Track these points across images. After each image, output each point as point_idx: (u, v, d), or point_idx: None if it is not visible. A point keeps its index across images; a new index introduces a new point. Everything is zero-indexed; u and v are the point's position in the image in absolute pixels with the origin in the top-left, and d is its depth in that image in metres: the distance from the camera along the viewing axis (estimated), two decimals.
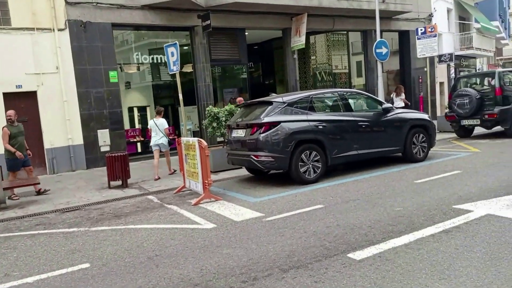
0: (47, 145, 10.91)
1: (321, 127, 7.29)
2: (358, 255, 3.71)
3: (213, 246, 4.35)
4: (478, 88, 11.69)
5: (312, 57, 16.49)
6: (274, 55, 17.39)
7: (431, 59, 15.45)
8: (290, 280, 3.31)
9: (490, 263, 3.32)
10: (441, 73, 20.73)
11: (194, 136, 12.96)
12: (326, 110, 7.92)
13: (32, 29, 10.58)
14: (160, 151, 9.31)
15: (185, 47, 13.18)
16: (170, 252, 4.27)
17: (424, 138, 8.48)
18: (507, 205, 4.84)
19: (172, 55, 8.61)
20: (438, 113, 17.58)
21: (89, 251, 4.58)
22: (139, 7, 11.78)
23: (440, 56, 16.01)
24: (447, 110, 12.48)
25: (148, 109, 13.94)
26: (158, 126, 9.16)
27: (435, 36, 13.52)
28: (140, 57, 12.74)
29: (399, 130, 8.18)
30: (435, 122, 11.03)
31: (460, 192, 5.69)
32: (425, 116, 8.88)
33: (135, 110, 13.82)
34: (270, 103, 7.38)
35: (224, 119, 9.06)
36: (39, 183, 7.92)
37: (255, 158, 7.09)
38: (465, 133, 12.15)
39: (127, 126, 12.76)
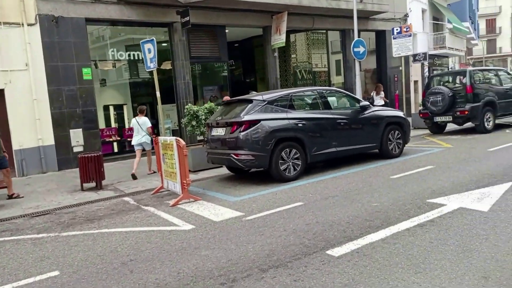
0: (15, 146, 10.41)
1: (300, 125, 7.34)
2: (336, 251, 3.75)
3: (191, 248, 4.29)
4: (450, 86, 12.00)
5: (292, 56, 16.58)
6: (254, 53, 17.37)
7: (406, 58, 15.77)
8: (270, 280, 3.31)
9: (462, 255, 3.43)
10: (416, 71, 21.21)
11: (173, 135, 12.79)
12: (306, 108, 7.97)
13: None
14: (143, 150, 9.16)
15: (163, 44, 12.98)
16: (145, 256, 4.16)
17: (399, 135, 8.67)
18: (478, 198, 5.01)
19: (149, 51, 8.46)
20: (413, 111, 17.98)
21: (58, 258, 4.39)
22: (115, 2, 11.46)
23: (414, 55, 16.38)
24: (421, 108, 12.79)
25: (125, 107, 13.66)
26: (140, 125, 9.02)
27: (410, 35, 13.81)
28: (116, 53, 12.44)
29: (376, 127, 8.33)
30: (409, 119, 11.29)
31: (434, 186, 5.84)
32: (400, 113, 9.09)
33: (111, 108, 13.49)
34: (250, 101, 7.37)
35: (203, 117, 8.97)
36: (5, 187, 7.61)
37: (235, 157, 7.06)
38: (438, 129, 12.50)
39: (102, 125, 12.42)
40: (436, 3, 24.15)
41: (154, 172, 9.06)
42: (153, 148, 9.48)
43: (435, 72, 21.71)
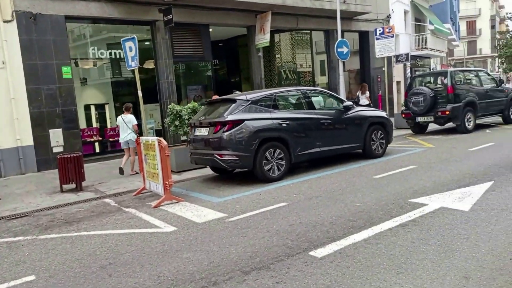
0: None
1: (284, 125, 7.32)
2: (319, 252, 3.73)
3: (172, 250, 4.21)
4: (432, 87, 12.15)
5: (277, 56, 16.59)
6: (239, 53, 17.32)
7: (389, 59, 15.93)
8: (252, 282, 3.26)
9: (444, 255, 3.44)
10: (398, 72, 21.47)
11: (157, 135, 12.64)
12: (290, 108, 7.95)
13: None
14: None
15: (146, 43, 12.80)
16: (125, 260, 4.06)
17: (382, 135, 8.74)
18: (459, 197, 5.06)
19: (130, 50, 8.30)
20: (396, 111, 18.20)
21: (35, 262, 4.25)
22: None
23: (397, 56, 16.57)
24: (403, 108, 12.93)
25: (107, 107, 13.42)
26: (126, 122, 8.94)
27: (392, 36, 13.96)
28: (97, 52, 12.19)
29: (359, 127, 8.37)
30: (392, 119, 11.40)
31: (416, 186, 5.89)
32: (383, 113, 9.17)
33: (93, 108, 13.24)
34: (234, 101, 7.31)
35: (187, 117, 8.85)
36: None
37: (219, 157, 6.99)
38: (420, 129, 12.66)
39: (83, 125, 12.19)
40: (418, 5, 24.51)
41: (137, 172, 8.92)
42: None
43: (417, 72, 22.01)
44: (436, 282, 3.00)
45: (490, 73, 14.40)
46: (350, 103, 8.58)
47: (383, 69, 15.45)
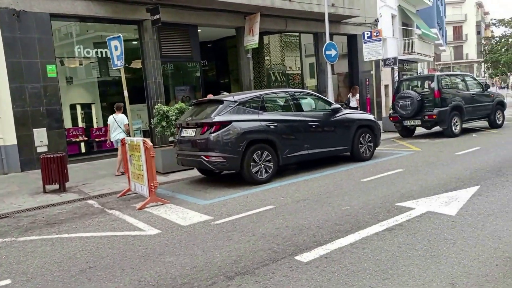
0: None
1: (272, 127, 7.26)
2: (305, 257, 3.67)
3: (155, 254, 4.10)
4: (419, 91, 12.22)
5: (266, 57, 16.58)
6: (228, 54, 17.25)
7: (377, 62, 16.06)
8: None
9: (430, 260, 3.41)
10: (386, 76, 21.64)
11: (144, 136, 12.50)
12: (278, 110, 7.90)
13: None
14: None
15: (134, 42, 12.64)
16: (106, 263, 3.95)
17: (370, 138, 8.75)
18: (445, 202, 5.05)
19: (116, 49, 8.16)
20: (384, 114, 18.31)
21: (12, 265, 4.12)
22: None
23: (385, 60, 16.69)
24: (391, 111, 13.00)
25: (93, 106, 13.21)
26: (117, 122, 8.89)
27: (380, 40, 14.03)
28: (83, 50, 11.99)
29: (347, 130, 8.36)
30: (380, 122, 11.44)
31: (403, 190, 5.88)
32: (370, 116, 9.19)
33: (78, 107, 13.02)
34: (221, 102, 7.23)
35: (174, 118, 8.75)
36: None
37: (206, 159, 6.90)
38: (407, 133, 12.73)
39: (69, 124, 11.98)
40: (406, 9, 24.77)
41: (123, 173, 8.78)
42: None
43: (404, 76, 22.20)
44: None
45: (476, 78, 14.57)
46: (338, 105, 8.57)
47: (371, 72, 15.56)
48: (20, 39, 10.31)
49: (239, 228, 4.71)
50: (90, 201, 6.87)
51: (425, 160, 8.23)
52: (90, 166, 10.65)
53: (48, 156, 7.58)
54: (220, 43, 17.26)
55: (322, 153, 8.02)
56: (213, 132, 6.81)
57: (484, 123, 13.53)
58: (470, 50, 66.09)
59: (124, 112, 9.29)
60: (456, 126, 11.72)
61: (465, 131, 12.41)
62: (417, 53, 24.22)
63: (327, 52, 13.10)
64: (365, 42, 14.39)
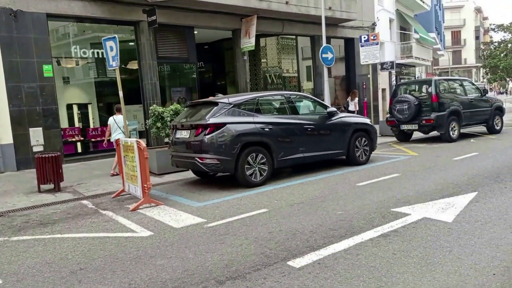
0: None
1: (267, 129, 7.22)
2: (298, 262, 3.61)
3: (146, 256, 4.05)
4: (416, 95, 12.20)
5: (262, 60, 16.55)
6: (225, 56, 17.22)
7: (374, 66, 16.05)
8: None
9: (425, 268, 3.35)
10: (383, 80, 21.66)
11: (140, 137, 12.47)
12: (273, 113, 7.86)
13: None
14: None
15: (131, 43, 12.60)
16: (97, 265, 3.91)
17: (366, 142, 8.71)
18: (442, 208, 5.00)
19: (111, 49, 8.08)
20: (381, 118, 18.30)
21: (3, 265, 4.08)
22: None
23: (382, 64, 16.69)
24: (388, 115, 12.95)
25: (89, 106, 13.15)
26: (117, 122, 8.92)
27: (377, 44, 14.01)
28: (79, 51, 11.95)
29: (343, 133, 8.32)
30: (377, 126, 11.40)
31: (399, 195, 5.83)
32: (367, 120, 9.15)
33: (75, 107, 12.97)
34: (216, 103, 7.19)
35: (169, 119, 8.71)
36: None
37: (200, 161, 6.85)
38: (404, 137, 12.69)
39: (65, 124, 11.96)
40: (403, 14, 24.83)
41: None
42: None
43: (402, 80, 22.22)
44: None
45: (475, 83, 14.55)
46: (334, 109, 8.54)
47: (368, 76, 15.55)
48: (17, 39, 10.30)
49: (232, 231, 4.65)
50: (84, 201, 6.84)
51: (422, 165, 8.19)
52: (86, 166, 10.61)
53: (43, 155, 7.56)
54: (216, 45, 17.24)
55: (317, 156, 7.98)
56: (208, 134, 6.77)
57: (482, 128, 13.50)
58: (469, 55, 66.28)
59: (114, 114, 9.30)
60: (454, 131, 11.68)
61: (463, 136, 12.38)
62: (415, 57, 24.27)
63: (324, 55, 13.07)
64: (362, 46, 14.36)
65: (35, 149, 10.58)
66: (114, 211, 5.99)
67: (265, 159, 7.14)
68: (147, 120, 9.79)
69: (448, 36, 60.59)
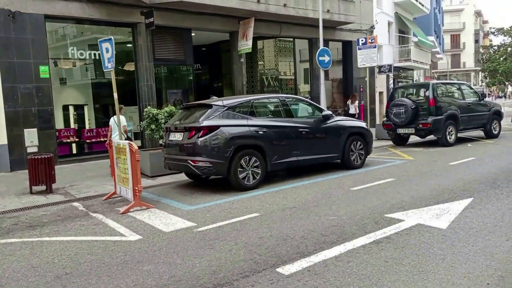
0: None
1: (261, 132, 7.15)
2: (287, 269, 3.53)
3: (133, 261, 3.98)
4: (413, 98, 12.09)
5: (260, 62, 16.49)
6: (222, 58, 17.17)
7: (372, 69, 16.01)
8: None
9: (418, 277, 3.28)
10: (381, 83, 21.60)
11: (135, 138, 12.42)
12: (267, 116, 7.79)
13: None
14: None
15: (128, 45, 12.55)
16: (83, 270, 3.84)
17: (362, 146, 8.63)
18: (436, 214, 4.92)
19: (107, 51, 8.02)
20: (378, 121, 18.23)
21: None
22: None
23: (380, 67, 16.63)
24: (384, 119, 12.89)
25: (86, 108, 13.07)
26: (117, 123, 8.77)
27: (374, 47, 13.94)
28: (76, 52, 11.89)
29: (338, 137, 8.25)
30: (373, 130, 11.33)
31: (393, 200, 5.75)
32: (362, 124, 9.08)
33: (71, 108, 12.89)
34: (210, 106, 7.13)
35: (163, 121, 8.65)
36: None
37: (193, 163, 6.78)
38: (401, 141, 12.60)
39: (60, 125, 11.89)
40: (402, 17, 24.80)
41: None
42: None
43: (399, 84, 22.17)
44: None
45: (473, 87, 14.49)
46: (329, 112, 8.46)
47: (366, 79, 15.49)
48: (14, 40, 10.29)
49: (221, 236, 4.57)
50: (75, 204, 6.77)
51: (418, 170, 8.11)
52: (80, 168, 10.55)
53: (36, 157, 7.52)
54: (214, 47, 17.19)
55: (312, 160, 7.91)
56: (201, 136, 6.70)
57: (480, 132, 13.41)
58: (468, 58, 66.30)
59: (115, 114, 9.20)
60: (451, 135, 11.61)
61: (460, 141, 12.30)
62: (413, 60, 24.23)
63: (321, 58, 13.02)
64: (359, 49, 14.30)
65: (29, 150, 10.52)
66: (104, 214, 5.92)
67: (259, 163, 7.07)
68: (141, 122, 9.73)
69: (447, 40, 60.64)
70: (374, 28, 19.48)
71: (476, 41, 66.37)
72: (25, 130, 10.49)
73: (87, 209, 6.30)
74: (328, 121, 8.18)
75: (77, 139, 12.13)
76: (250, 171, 6.98)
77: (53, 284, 3.53)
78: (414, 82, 26.89)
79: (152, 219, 5.47)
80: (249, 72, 15.76)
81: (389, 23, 23.30)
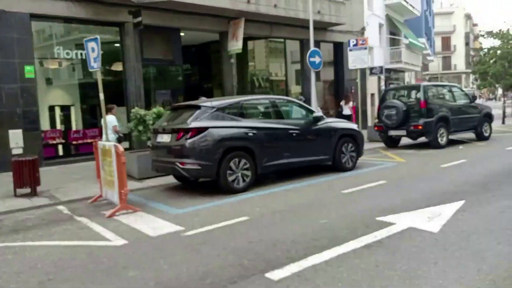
0: None
1: (251, 134, 7.04)
2: (276, 274, 3.44)
3: (118, 267, 3.86)
4: (404, 100, 12.09)
5: (250, 63, 16.38)
6: (211, 59, 17.02)
7: (363, 71, 15.97)
8: None
9: (409, 282, 3.20)
10: (372, 85, 21.63)
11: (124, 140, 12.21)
12: (257, 117, 7.70)
13: None
14: None
15: (116, 44, 12.35)
16: (66, 276, 3.73)
17: (353, 148, 8.56)
18: (428, 217, 4.86)
19: (93, 50, 7.87)
20: (369, 123, 18.23)
21: None
22: None
23: (371, 69, 16.63)
24: (376, 121, 12.86)
25: (72, 108, 12.85)
26: (107, 123, 8.62)
27: (365, 48, 13.92)
28: (63, 52, 11.62)
29: (329, 139, 8.18)
30: (365, 132, 11.29)
31: (384, 203, 5.68)
32: (354, 126, 9.04)
33: (57, 109, 12.66)
34: (199, 107, 7.02)
35: (151, 122, 8.49)
36: None
37: (181, 166, 6.66)
38: (392, 143, 12.57)
39: (46, 126, 11.63)
40: (393, 18, 24.92)
41: None
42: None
43: (391, 85, 22.23)
44: None
45: (464, 89, 14.55)
46: (320, 114, 8.40)
47: (357, 81, 15.47)
48: None
49: (210, 240, 4.46)
50: (60, 207, 6.61)
51: (409, 172, 8.08)
52: (65, 170, 10.30)
53: (20, 159, 7.36)
54: (203, 48, 17.01)
55: (302, 162, 7.82)
56: (189, 138, 6.57)
57: (471, 135, 13.42)
58: (459, 61, 66.96)
59: (101, 115, 9.02)
60: (442, 137, 11.60)
61: (451, 143, 12.28)
62: (405, 62, 24.35)
63: (311, 59, 12.95)
64: (350, 50, 14.28)
65: (14, 151, 10.22)
66: (90, 218, 5.78)
67: (248, 165, 6.95)
68: (128, 123, 9.56)
69: (438, 42, 61.14)
70: (365, 30, 19.50)
71: (467, 44, 67.10)
72: (9, 131, 10.19)
73: (72, 213, 6.15)
74: (319, 123, 8.11)
75: (63, 141, 11.86)
76: (239, 174, 6.87)
77: None
78: (406, 84, 27.01)
79: (138, 223, 5.34)
80: (239, 73, 15.62)
81: (380, 25, 23.38)
